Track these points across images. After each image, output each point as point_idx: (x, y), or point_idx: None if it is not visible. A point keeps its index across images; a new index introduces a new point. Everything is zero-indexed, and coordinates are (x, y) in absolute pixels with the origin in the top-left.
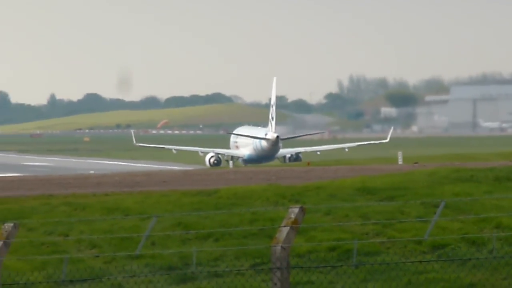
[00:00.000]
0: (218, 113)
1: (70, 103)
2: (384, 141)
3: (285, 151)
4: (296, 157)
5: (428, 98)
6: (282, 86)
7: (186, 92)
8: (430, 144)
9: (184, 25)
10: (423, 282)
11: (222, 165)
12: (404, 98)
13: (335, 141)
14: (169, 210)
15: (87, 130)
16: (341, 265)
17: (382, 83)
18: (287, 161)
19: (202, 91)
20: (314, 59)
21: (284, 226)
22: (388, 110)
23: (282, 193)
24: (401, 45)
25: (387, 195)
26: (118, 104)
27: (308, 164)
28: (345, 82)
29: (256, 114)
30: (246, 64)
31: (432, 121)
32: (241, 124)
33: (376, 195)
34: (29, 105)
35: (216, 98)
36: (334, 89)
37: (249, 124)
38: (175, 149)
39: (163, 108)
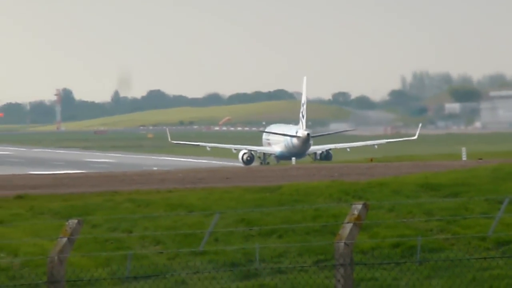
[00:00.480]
0: (281, 110)
1: (134, 100)
2: (412, 138)
3: (316, 148)
4: (326, 154)
5: (493, 93)
6: (344, 82)
7: (249, 89)
8: (494, 140)
9: (246, 23)
10: (487, 278)
11: (254, 162)
12: (468, 93)
13: (397, 137)
14: (232, 206)
15: (150, 127)
16: (405, 262)
17: (445, 78)
18: (318, 157)
19: (265, 88)
20: (377, 55)
21: (347, 223)
22: (452, 106)
23: (345, 190)
24: (465, 40)
25: (451, 192)
26: (181, 101)
27: (371, 160)
28: (408, 78)
29: (318, 111)
30: (308, 60)
31: (496, 116)
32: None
33: (440, 191)
34: (93, 102)
35: (279, 95)
36: (397, 85)
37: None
38: (209, 147)
39: (226, 104)
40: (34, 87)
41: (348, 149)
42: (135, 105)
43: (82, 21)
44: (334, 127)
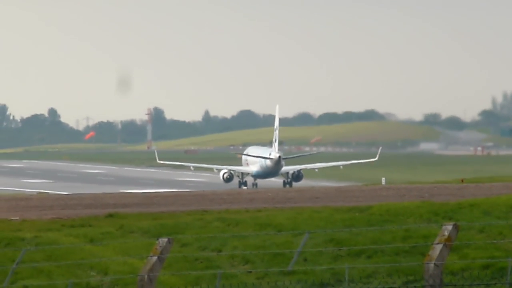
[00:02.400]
0: (371, 131)
1: (224, 119)
2: (372, 159)
3: (288, 168)
4: (298, 174)
5: None
6: (435, 103)
7: (339, 109)
8: None
9: (335, 43)
10: None
11: (234, 180)
12: None
13: (489, 158)
14: (321, 226)
15: (240, 147)
16: (495, 283)
17: None
18: (290, 177)
19: (355, 108)
20: (468, 76)
21: (438, 243)
22: None
23: (435, 210)
24: None
25: None
26: (271, 120)
27: (462, 181)
28: (499, 99)
29: (409, 131)
30: (400, 80)
31: None
32: (394, 142)
33: None
34: (183, 122)
35: (369, 115)
36: (488, 106)
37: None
38: (192, 166)
39: (316, 124)
40: (126, 106)
41: (317, 170)
42: (226, 124)
43: (173, 42)
44: (425, 147)
